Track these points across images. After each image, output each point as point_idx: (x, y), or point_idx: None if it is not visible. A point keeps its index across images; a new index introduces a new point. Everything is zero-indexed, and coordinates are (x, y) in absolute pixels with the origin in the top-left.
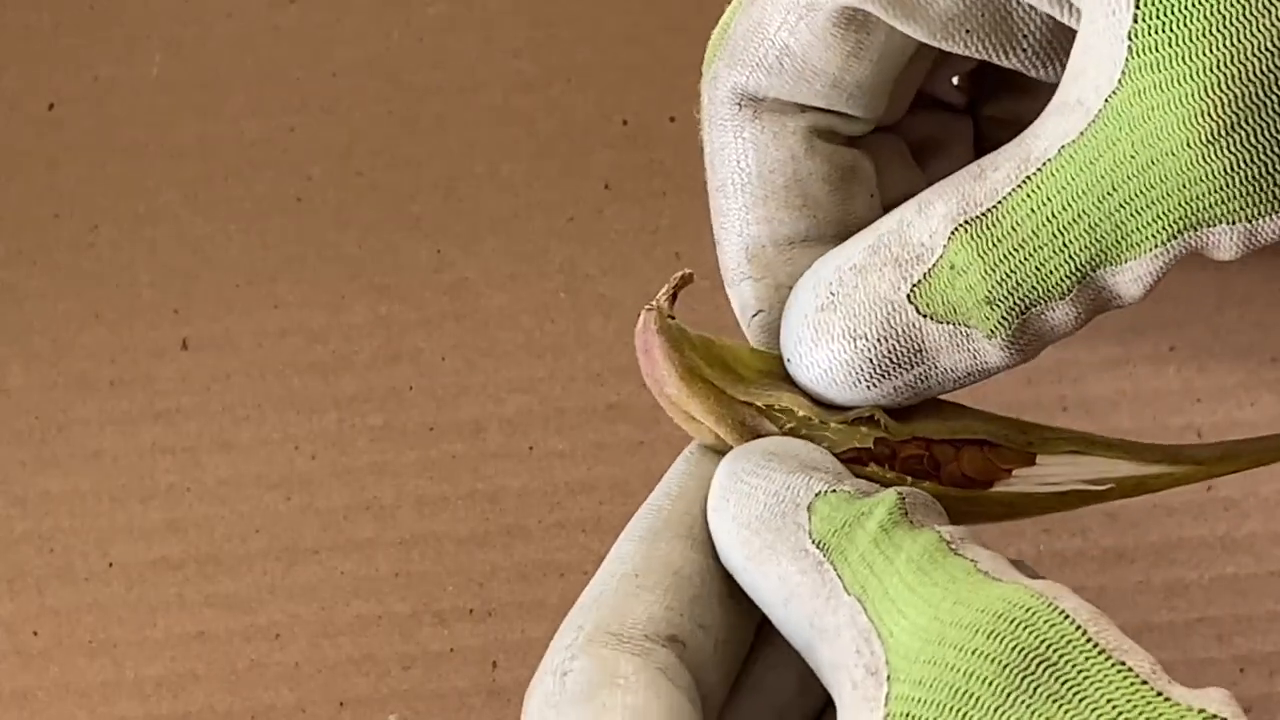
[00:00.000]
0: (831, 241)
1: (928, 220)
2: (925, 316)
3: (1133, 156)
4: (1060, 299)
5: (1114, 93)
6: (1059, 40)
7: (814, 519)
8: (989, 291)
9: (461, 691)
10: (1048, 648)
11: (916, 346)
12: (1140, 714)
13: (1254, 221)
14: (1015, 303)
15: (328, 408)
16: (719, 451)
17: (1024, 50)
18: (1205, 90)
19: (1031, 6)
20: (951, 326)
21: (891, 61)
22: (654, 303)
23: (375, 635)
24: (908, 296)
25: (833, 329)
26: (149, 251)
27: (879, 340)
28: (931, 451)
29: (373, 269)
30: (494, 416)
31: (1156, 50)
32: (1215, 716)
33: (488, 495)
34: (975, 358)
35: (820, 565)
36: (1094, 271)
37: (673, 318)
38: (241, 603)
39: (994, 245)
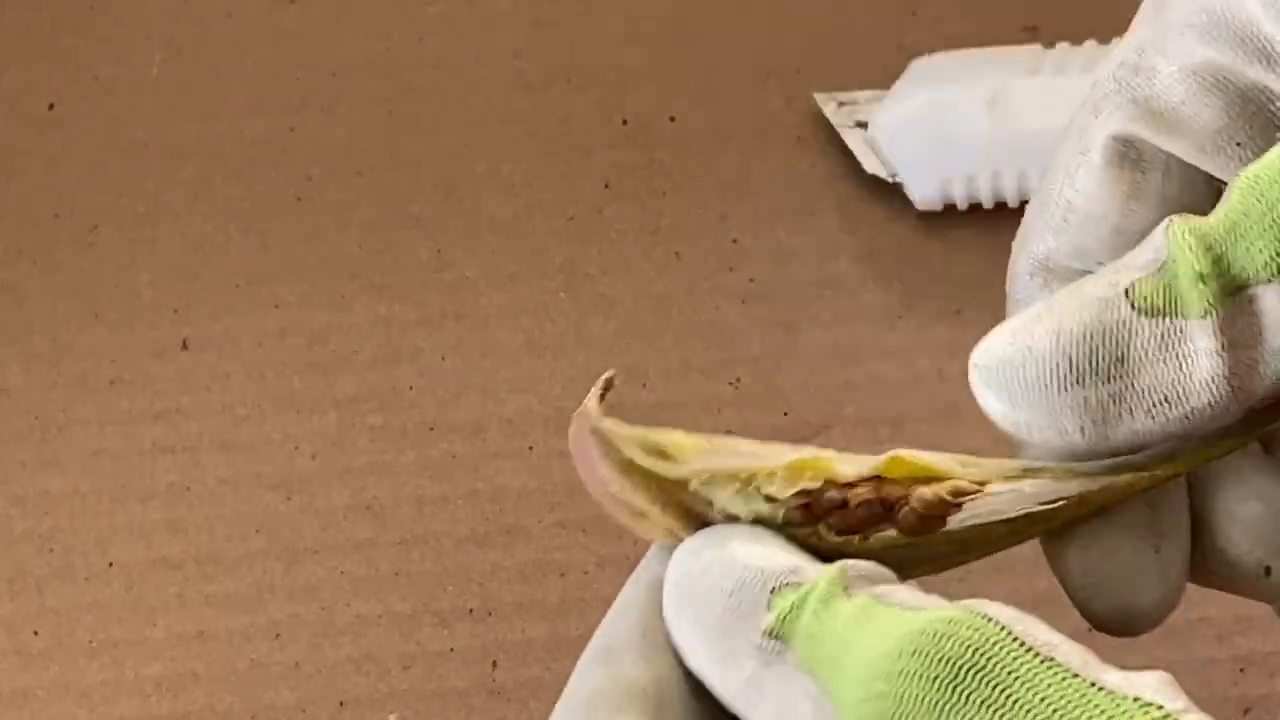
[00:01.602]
0: None
1: (1151, 240)
2: (1138, 311)
3: None
4: (1269, 282)
5: None
6: None
7: (770, 615)
8: (1204, 270)
9: (461, 691)
10: (974, 653)
11: (1122, 352)
12: (1074, 707)
13: None
14: (1228, 280)
15: (328, 408)
16: (669, 550)
17: None
18: None
19: None
20: (1165, 322)
21: (1172, 208)
22: (582, 407)
23: (375, 635)
24: (1125, 291)
25: (1035, 329)
26: (149, 251)
27: (1085, 336)
28: (881, 493)
29: (373, 269)
30: (494, 416)
31: None
32: (1150, 704)
33: (488, 495)
34: (1182, 367)
35: (779, 653)
36: None
37: (604, 417)
38: (241, 603)
39: (1208, 230)
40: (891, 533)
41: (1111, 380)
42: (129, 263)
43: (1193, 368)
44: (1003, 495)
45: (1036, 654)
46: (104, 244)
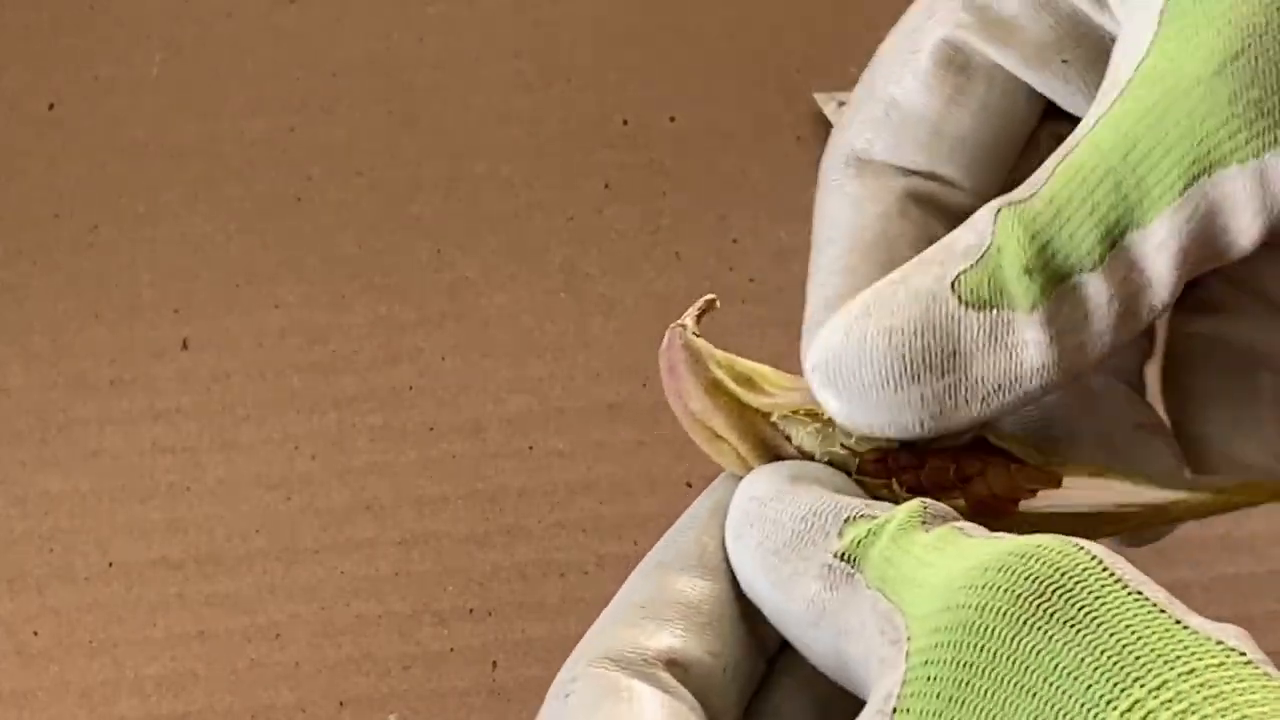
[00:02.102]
0: None
1: (974, 223)
2: (965, 305)
3: (1153, 107)
4: (1093, 270)
5: (1143, 60)
6: None
7: (842, 541)
8: (1027, 262)
9: (461, 691)
10: (1063, 575)
11: (953, 346)
12: (1158, 638)
13: (1262, 156)
14: (1053, 272)
15: (328, 408)
16: (737, 480)
17: None
18: (1218, 30)
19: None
20: (992, 314)
21: (992, 118)
22: (679, 322)
23: (375, 635)
24: (951, 285)
25: (867, 330)
26: (149, 251)
27: (916, 334)
28: (959, 463)
29: (373, 269)
30: (494, 416)
31: (1182, 16)
32: (1233, 649)
33: (488, 495)
34: (1012, 357)
35: (848, 576)
36: (1122, 238)
37: (697, 334)
38: (241, 603)
39: (1034, 218)
40: (960, 503)
41: (946, 374)
42: (129, 263)
43: (1022, 357)
44: (1078, 493)
45: (1125, 586)
46: (104, 244)
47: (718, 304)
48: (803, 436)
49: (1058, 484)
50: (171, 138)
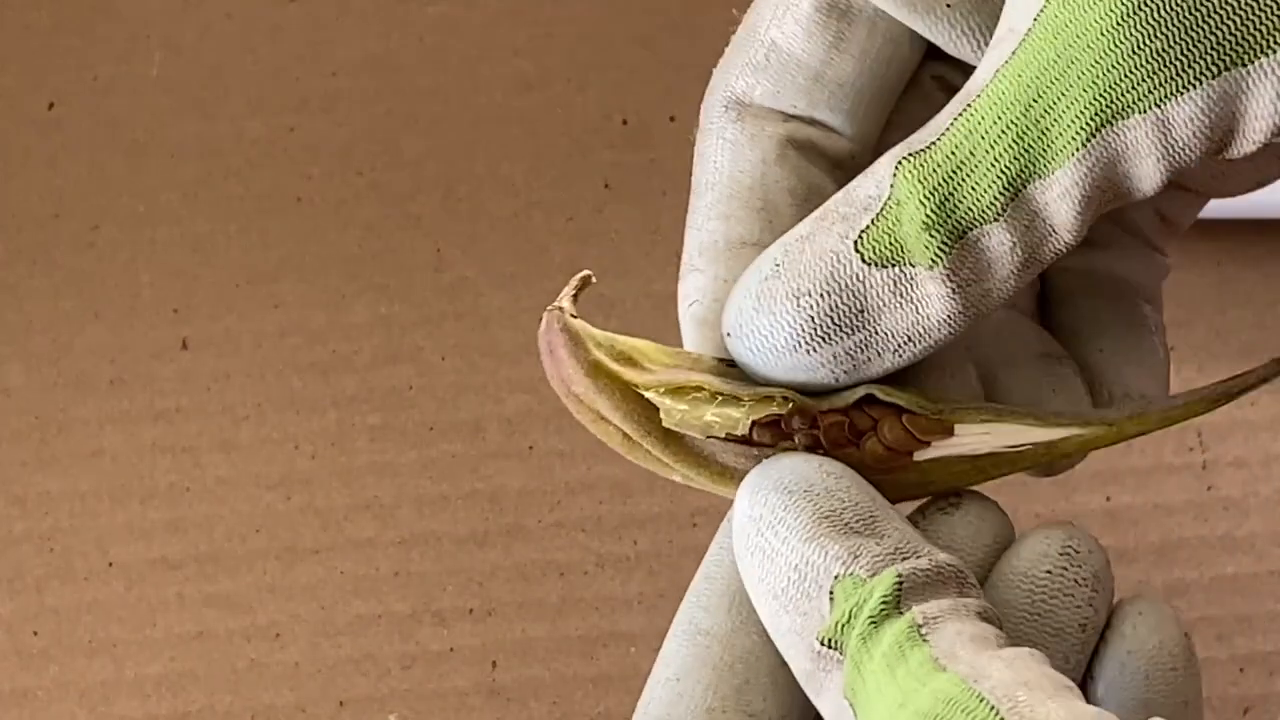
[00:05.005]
0: None
1: (874, 173)
2: (869, 264)
3: (1055, 59)
4: (995, 220)
5: (1042, 10)
6: None
7: (832, 609)
8: (927, 216)
9: (461, 691)
10: None
11: (859, 304)
12: None
13: (1163, 106)
14: (953, 226)
15: (328, 408)
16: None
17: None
18: None
19: None
20: (895, 271)
21: (874, 64)
22: (556, 304)
23: (375, 635)
24: (854, 244)
25: (776, 293)
26: (149, 251)
27: (822, 295)
28: (852, 420)
29: (373, 269)
30: (494, 416)
31: None
32: None
33: (488, 495)
34: (918, 310)
35: (831, 667)
36: (1024, 188)
37: (574, 315)
38: (241, 603)
39: (933, 171)
40: (857, 458)
41: (855, 332)
42: (129, 263)
43: (928, 310)
44: (971, 439)
45: None
46: (104, 244)
47: (593, 279)
48: (688, 412)
49: (950, 433)
50: (171, 138)
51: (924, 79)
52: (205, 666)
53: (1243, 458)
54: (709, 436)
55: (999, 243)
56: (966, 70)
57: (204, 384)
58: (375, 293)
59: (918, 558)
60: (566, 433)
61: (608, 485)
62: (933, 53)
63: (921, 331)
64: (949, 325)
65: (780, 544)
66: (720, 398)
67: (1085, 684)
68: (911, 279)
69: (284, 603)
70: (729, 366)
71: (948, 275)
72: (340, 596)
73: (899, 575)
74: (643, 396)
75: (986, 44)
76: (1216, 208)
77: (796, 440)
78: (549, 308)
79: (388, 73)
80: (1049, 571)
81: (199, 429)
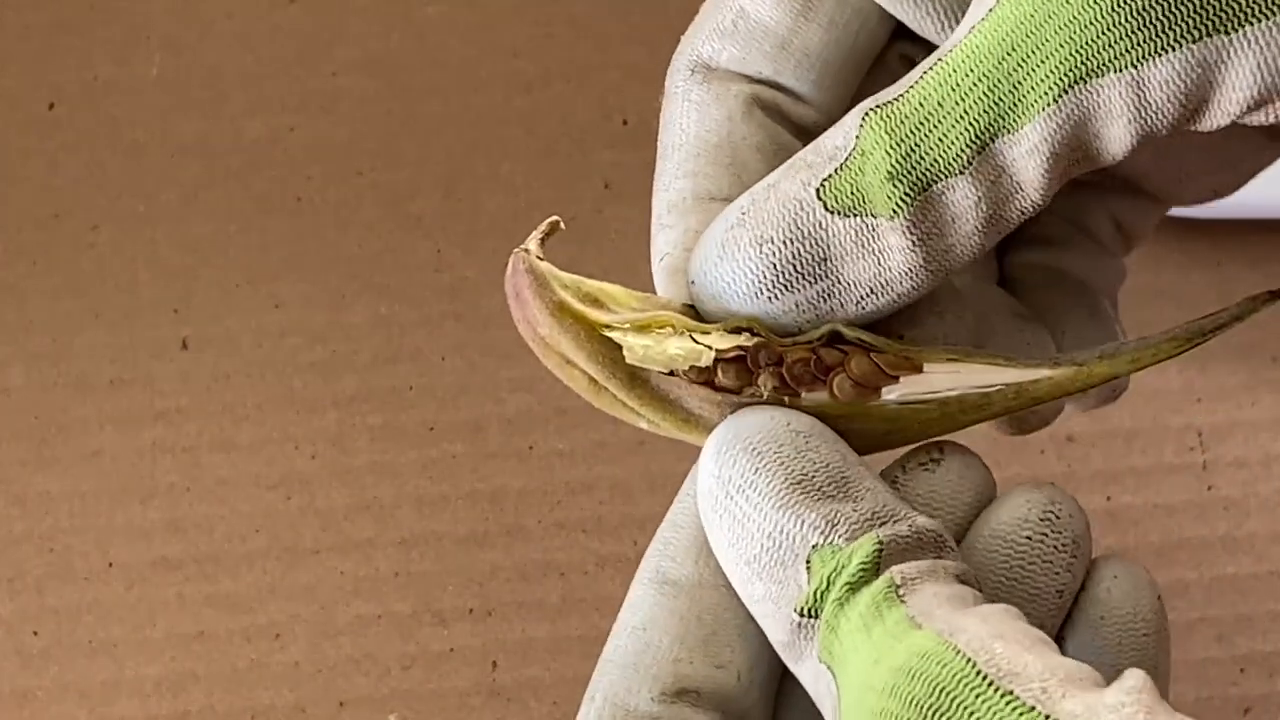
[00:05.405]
0: None
1: (843, 124)
2: (832, 213)
3: (1032, 15)
4: (960, 174)
5: None
6: None
7: (805, 590)
8: (891, 167)
9: (461, 691)
10: (940, 694)
11: (822, 252)
12: None
13: (1140, 67)
14: (917, 177)
15: (328, 408)
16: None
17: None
18: None
19: None
20: (857, 220)
21: (841, 35)
22: (522, 246)
23: (375, 635)
24: (817, 192)
25: (740, 240)
26: (149, 251)
27: (785, 243)
28: (819, 356)
29: (373, 269)
30: (494, 416)
31: None
32: None
33: (488, 495)
34: (880, 262)
35: (808, 636)
36: (991, 142)
37: (541, 258)
38: (241, 603)
39: (901, 122)
40: (824, 396)
41: (818, 280)
42: (129, 263)
43: (889, 262)
44: (939, 376)
45: (997, 688)
46: (104, 244)
47: (561, 225)
48: (652, 347)
49: (919, 369)
50: (171, 138)
51: (891, 57)
52: (205, 666)
53: (1243, 458)
54: (672, 372)
55: (963, 196)
56: (934, 50)
57: (204, 384)
58: (375, 293)
59: (896, 522)
60: (567, 433)
61: (608, 485)
62: (902, 32)
63: (884, 283)
64: (911, 279)
65: (752, 510)
66: (685, 333)
67: (1057, 642)
68: (873, 229)
69: (284, 603)
70: (697, 314)
71: (909, 227)
72: (340, 596)
73: (879, 541)
74: (608, 338)
75: (951, 25)
76: (1216, 208)
77: (762, 380)
78: (514, 250)
79: (388, 73)
80: (1029, 537)
81: (199, 429)
